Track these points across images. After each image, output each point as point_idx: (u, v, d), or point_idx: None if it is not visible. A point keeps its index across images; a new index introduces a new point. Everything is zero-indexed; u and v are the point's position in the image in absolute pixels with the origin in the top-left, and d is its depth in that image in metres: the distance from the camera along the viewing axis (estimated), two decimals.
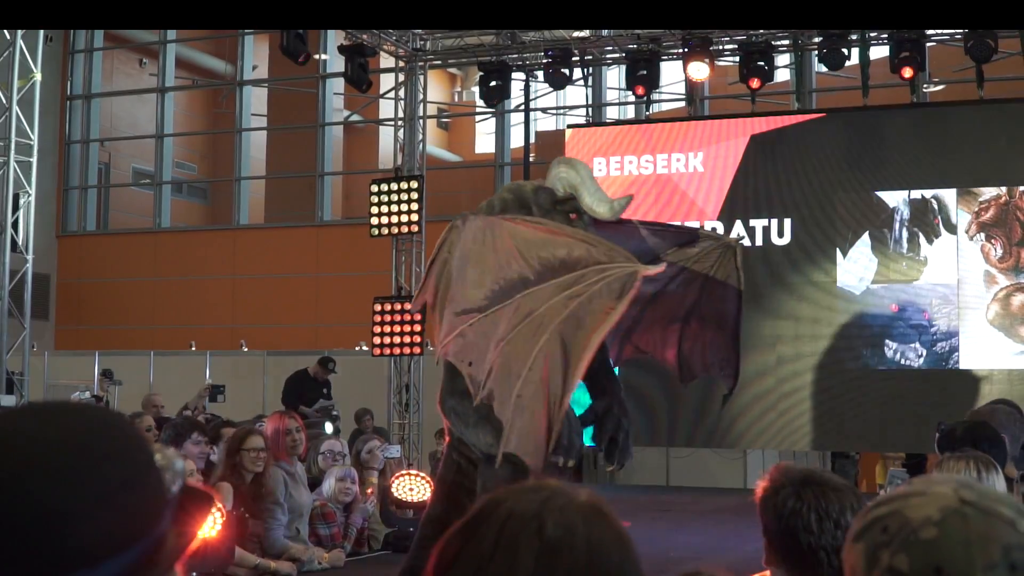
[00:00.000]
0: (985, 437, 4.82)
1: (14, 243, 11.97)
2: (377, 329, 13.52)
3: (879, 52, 13.43)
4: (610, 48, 14.26)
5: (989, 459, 3.91)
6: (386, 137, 19.88)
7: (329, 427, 12.20)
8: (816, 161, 12.81)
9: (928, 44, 12.89)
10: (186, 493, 1.20)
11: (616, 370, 6.71)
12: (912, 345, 12.26)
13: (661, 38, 13.50)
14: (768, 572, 2.56)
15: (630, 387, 12.64)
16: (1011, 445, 5.28)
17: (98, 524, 1.08)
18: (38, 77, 12.24)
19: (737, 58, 13.30)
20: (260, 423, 10.39)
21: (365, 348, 15.44)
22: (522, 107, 16.94)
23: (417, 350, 13.66)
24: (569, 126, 14.73)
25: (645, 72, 13.43)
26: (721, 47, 13.54)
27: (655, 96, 14.35)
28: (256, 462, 7.41)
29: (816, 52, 13.38)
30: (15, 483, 1.06)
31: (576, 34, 14.31)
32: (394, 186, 13.77)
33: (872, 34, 12.81)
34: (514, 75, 14.46)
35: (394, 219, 13.67)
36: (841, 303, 12.51)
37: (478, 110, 22.53)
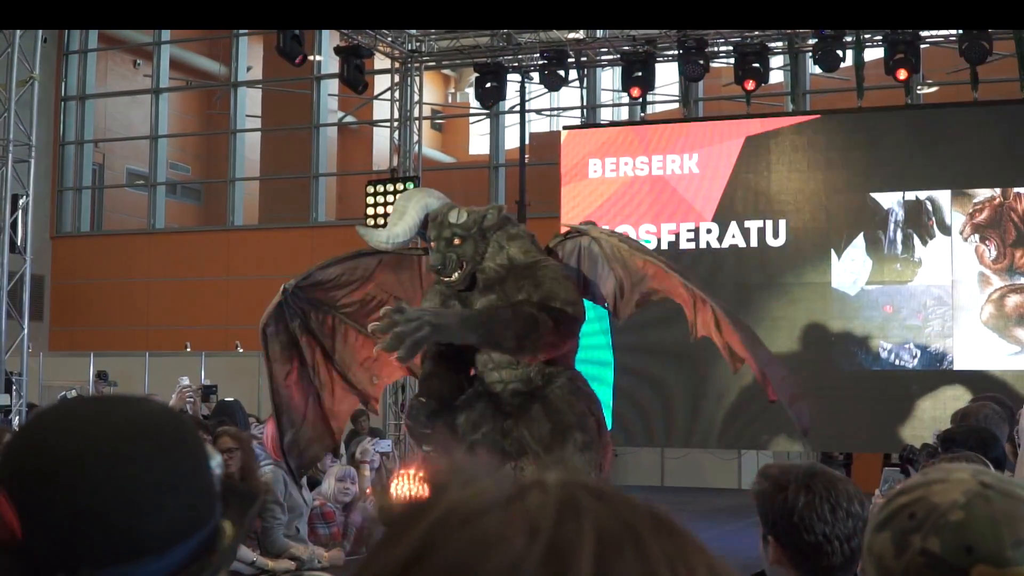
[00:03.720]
0: (983, 440, 4.88)
1: (12, 244, 11.97)
2: None
3: (873, 54, 13.49)
4: (605, 49, 14.31)
5: (982, 459, 3.95)
6: (381, 138, 19.89)
7: None
8: (811, 163, 12.86)
9: (922, 46, 12.95)
10: (228, 489, 1.23)
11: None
12: (906, 346, 12.31)
13: (656, 39, 13.54)
14: (763, 572, 2.58)
15: (626, 387, 12.74)
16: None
17: (166, 512, 1.10)
18: (37, 78, 12.24)
19: (732, 60, 13.35)
20: (258, 425, 10.42)
21: None
22: (517, 108, 16.96)
23: None
24: (564, 127, 14.76)
25: (640, 74, 13.47)
26: (716, 49, 13.59)
27: (650, 97, 14.36)
28: None
29: (811, 54, 13.44)
30: (91, 469, 1.08)
31: (571, 35, 14.34)
32: (389, 187, 13.80)
33: (867, 36, 12.87)
34: (509, 76, 14.49)
35: None
36: (836, 304, 12.56)
37: (472, 111, 22.53)
